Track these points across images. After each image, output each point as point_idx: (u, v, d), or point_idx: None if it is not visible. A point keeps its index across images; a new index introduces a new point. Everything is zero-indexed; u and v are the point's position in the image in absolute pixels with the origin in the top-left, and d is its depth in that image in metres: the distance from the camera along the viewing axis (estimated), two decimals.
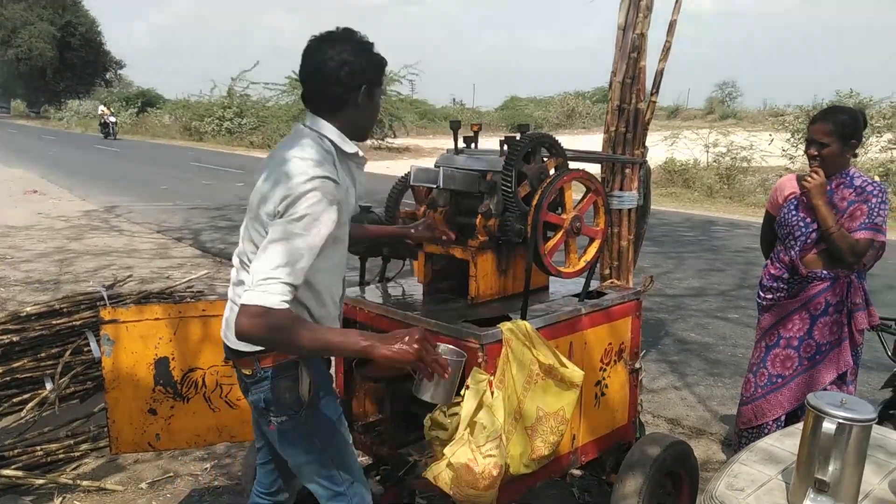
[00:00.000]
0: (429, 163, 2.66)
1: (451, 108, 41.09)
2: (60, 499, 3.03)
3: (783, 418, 3.07)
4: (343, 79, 1.80)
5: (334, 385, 2.72)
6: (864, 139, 12.54)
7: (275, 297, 1.61)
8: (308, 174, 1.71)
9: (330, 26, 1.87)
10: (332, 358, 2.66)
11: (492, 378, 2.11)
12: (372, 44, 1.87)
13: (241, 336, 1.65)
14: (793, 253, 2.95)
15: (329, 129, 1.86)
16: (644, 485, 2.48)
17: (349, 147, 1.89)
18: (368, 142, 25.44)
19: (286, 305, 1.63)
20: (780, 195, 3.07)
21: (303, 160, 1.75)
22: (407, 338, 1.69)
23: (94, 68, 49.46)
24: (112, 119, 29.34)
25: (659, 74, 3.35)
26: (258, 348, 1.86)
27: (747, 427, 3.15)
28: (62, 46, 45.81)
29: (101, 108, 31.38)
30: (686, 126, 25.22)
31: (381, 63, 1.88)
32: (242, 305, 1.62)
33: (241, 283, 1.87)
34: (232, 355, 1.96)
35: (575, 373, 2.24)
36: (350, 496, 2.02)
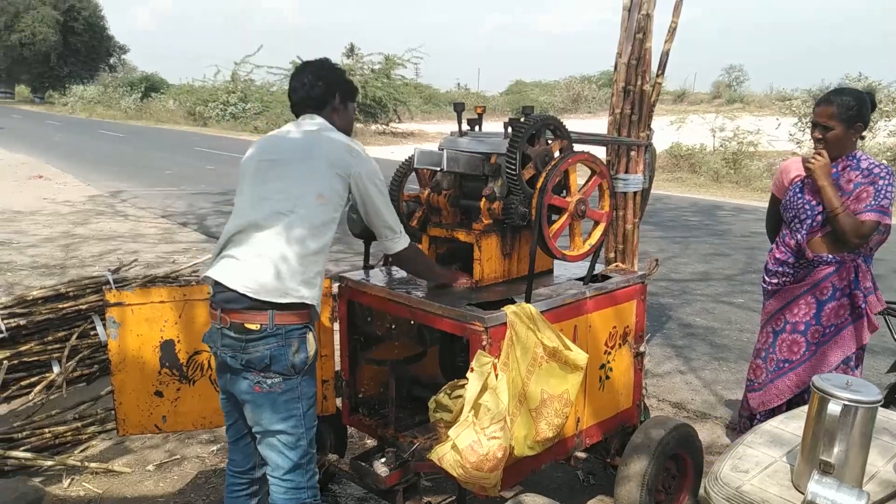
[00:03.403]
0: (433, 147, 2.64)
1: (455, 93, 40.95)
2: (69, 480, 3.06)
3: (784, 405, 3.07)
4: (322, 83, 2.22)
5: (340, 368, 2.73)
6: (872, 123, 12.44)
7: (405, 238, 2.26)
8: (356, 146, 2.17)
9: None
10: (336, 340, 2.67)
11: (496, 361, 2.11)
12: (343, 70, 2.34)
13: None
14: (798, 236, 2.92)
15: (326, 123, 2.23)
16: (648, 467, 2.48)
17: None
18: (373, 126, 25.37)
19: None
20: (786, 178, 3.04)
21: (341, 139, 2.17)
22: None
23: (98, 53, 49.29)
24: None
25: (665, 55, 3.32)
26: (283, 301, 1.96)
27: (758, 411, 3.14)
28: (65, 31, 45.61)
29: None
30: (692, 110, 25.07)
31: (350, 81, 2.32)
32: (396, 256, 2.29)
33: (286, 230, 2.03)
34: (244, 305, 1.98)
35: (579, 356, 2.23)
36: (306, 470, 2.12)
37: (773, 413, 3.07)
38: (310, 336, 2.06)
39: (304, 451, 2.09)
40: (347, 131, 2.28)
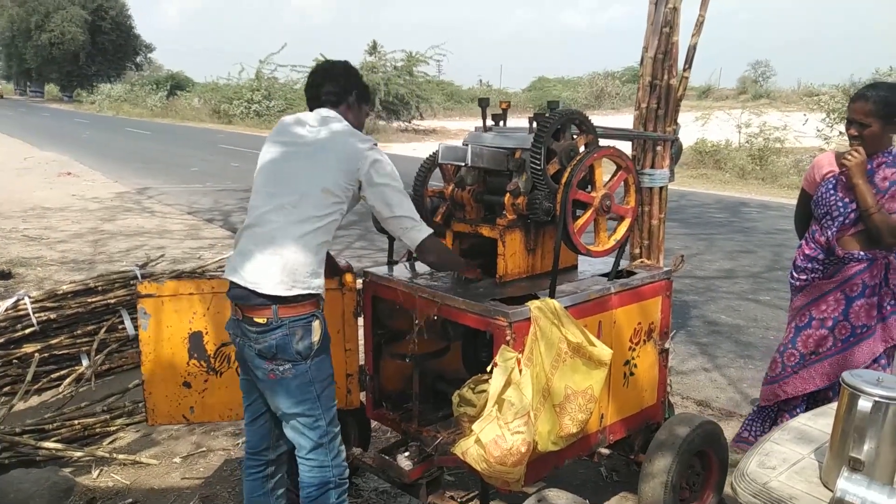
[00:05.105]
0: (456, 143, 2.65)
1: (477, 90, 40.91)
2: (98, 471, 3.11)
3: (803, 402, 3.03)
4: (342, 81, 2.29)
5: (364, 363, 2.75)
6: None
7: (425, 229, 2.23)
8: (367, 142, 2.19)
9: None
10: (362, 332, 2.69)
11: (520, 356, 2.11)
12: (360, 74, 2.43)
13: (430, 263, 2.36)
14: (829, 233, 2.87)
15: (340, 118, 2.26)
16: (673, 464, 2.47)
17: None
18: (395, 123, 25.44)
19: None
20: (818, 173, 2.98)
21: (353, 135, 2.21)
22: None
23: (125, 52, 50.00)
24: None
25: (692, 49, 3.29)
26: (291, 294, 2.05)
27: (768, 404, 3.12)
28: (93, 30, 46.34)
29: None
30: (718, 106, 24.74)
31: (366, 85, 2.41)
32: (420, 246, 2.21)
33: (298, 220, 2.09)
34: (252, 302, 2.07)
35: (603, 351, 2.23)
36: (329, 449, 2.19)
37: (784, 406, 3.08)
38: (315, 323, 2.13)
39: (323, 430, 2.17)
40: (359, 129, 2.33)
